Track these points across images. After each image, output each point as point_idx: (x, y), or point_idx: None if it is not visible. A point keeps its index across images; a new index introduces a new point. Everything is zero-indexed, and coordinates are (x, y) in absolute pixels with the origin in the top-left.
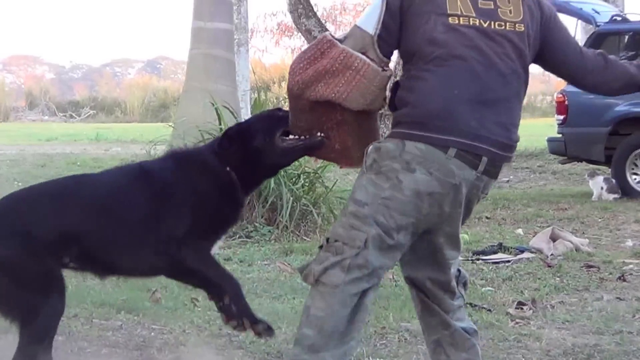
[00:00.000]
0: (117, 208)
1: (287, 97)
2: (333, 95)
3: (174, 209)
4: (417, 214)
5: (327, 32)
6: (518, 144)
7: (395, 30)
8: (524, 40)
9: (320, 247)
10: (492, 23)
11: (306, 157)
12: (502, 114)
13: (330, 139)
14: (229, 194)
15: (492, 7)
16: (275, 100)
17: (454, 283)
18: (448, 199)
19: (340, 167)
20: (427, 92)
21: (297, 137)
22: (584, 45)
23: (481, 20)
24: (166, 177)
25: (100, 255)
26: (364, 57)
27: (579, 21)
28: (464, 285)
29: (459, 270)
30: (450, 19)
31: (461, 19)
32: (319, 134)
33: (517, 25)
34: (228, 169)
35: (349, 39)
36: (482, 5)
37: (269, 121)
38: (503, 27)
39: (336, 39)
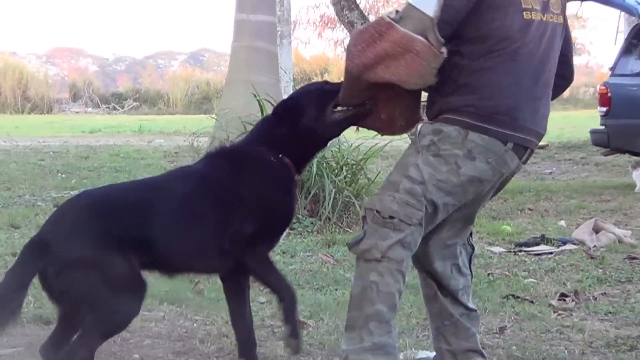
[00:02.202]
0: (184, 214)
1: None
2: (394, 78)
3: (240, 214)
4: (462, 198)
5: (384, 13)
6: (555, 134)
7: (464, 16)
8: (562, 32)
9: (363, 217)
10: (547, 16)
11: (349, 149)
12: (546, 106)
13: (378, 109)
14: (288, 187)
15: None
16: None
17: (461, 259)
18: (491, 185)
19: (382, 135)
20: (498, 87)
21: (346, 107)
22: (627, 37)
23: (541, 14)
24: (227, 181)
25: (169, 258)
26: (424, 40)
27: (622, 13)
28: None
29: (472, 247)
30: (525, 14)
31: (532, 13)
32: (367, 103)
33: (559, 17)
34: (281, 156)
35: (407, 20)
36: None
37: (318, 96)
38: (553, 19)
39: (392, 19)
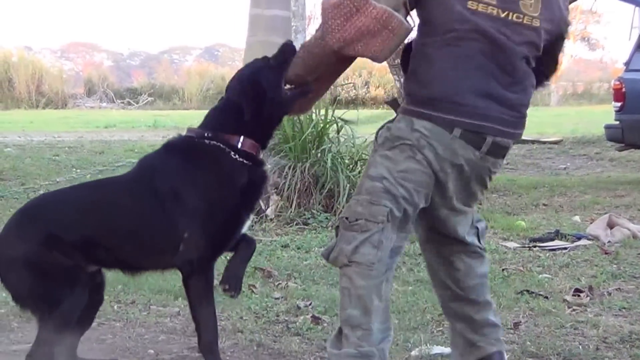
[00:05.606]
0: (130, 214)
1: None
2: (371, 54)
3: (186, 213)
4: (428, 186)
5: None
6: (569, 129)
7: None
8: (538, 35)
9: (336, 228)
10: (510, 14)
11: (364, 144)
12: (512, 94)
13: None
14: (233, 181)
15: None
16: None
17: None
18: (451, 177)
19: (290, 115)
20: (438, 73)
21: (292, 86)
22: None
23: (499, 10)
24: (176, 178)
25: (122, 257)
26: (400, 17)
27: (637, 8)
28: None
29: (476, 227)
30: (469, 3)
31: (480, 5)
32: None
33: (534, 20)
34: (243, 139)
35: None
36: None
37: (272, 73)
38: (521, 20)
39: None
